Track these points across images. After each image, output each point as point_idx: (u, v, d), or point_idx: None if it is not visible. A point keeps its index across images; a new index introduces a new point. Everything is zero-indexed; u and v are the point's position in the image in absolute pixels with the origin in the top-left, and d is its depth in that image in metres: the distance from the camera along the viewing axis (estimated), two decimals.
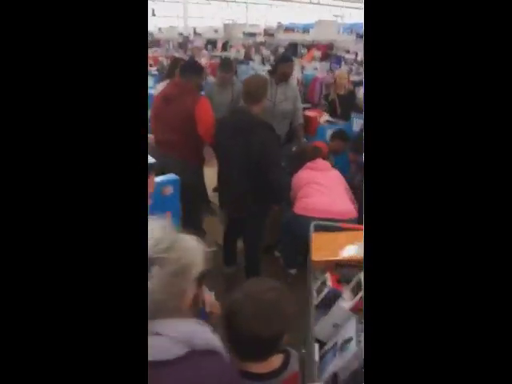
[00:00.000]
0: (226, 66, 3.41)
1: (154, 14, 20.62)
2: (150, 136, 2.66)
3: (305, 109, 3.65)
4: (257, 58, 8.11)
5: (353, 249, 1.42)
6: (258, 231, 2.39)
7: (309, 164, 2.59)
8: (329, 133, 3.31)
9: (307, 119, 3.37)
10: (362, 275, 1.36)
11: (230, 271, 2.65)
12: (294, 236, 2.47)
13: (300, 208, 2.35)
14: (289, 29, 16.22)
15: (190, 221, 2.76)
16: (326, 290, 1.35)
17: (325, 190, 2.38)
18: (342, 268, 1.45)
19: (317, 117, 3.38)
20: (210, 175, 2.55)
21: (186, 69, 2.54)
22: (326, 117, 3.51)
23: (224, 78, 3.40)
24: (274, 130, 2.17)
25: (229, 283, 2.58)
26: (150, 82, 5.12)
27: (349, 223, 2.14)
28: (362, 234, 1.50)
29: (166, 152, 2.53)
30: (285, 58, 3.24)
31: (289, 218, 2.48)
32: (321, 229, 1.64)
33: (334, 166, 2.71)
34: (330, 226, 1.67)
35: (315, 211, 2.24)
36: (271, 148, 2.06)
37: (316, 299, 1.37)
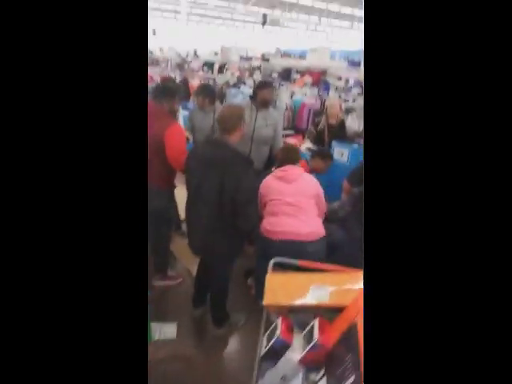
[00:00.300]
0: (204, 91, 3.37)
1: (154, 34, 20.99)
2: None
3: (286, 135, 3.60)
4: (249, 82, 8.17)
5: (310, 296, 1.30)
6: (227, 272, 2.27)
7: (277, 171, 2.39)
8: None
9: None
10: (316, 322, 1.25)
11: (199, 313, 2.52)
12: (265, 261, 2.35)
13: (265, 229, 2.26)
14: (286, 54, 16.54)
15: (158, 249, 2.66)
16: (273, 340, 1.23)
17: (290, 209, 2.25)
18: (295, 313, 1.34)
19: (297, 144, 3.33)
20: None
21: (158, 92, 2.46)
22: (307, 144, 3.45)
23: (203, 103, 3.36)
24: (252, 163, 2.03)
25: (196, 326, 2.44)
26: None
27: (314, 246, 2.12)
28: (321, 276, 1.41)
29: None
30: (264, 84, 3.19)
31: (258, 241, 2.36)
32: (280, 266, 1.53)
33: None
34: (290, 264, 1.56)
35: (280, 233, 2.17)
36: (247, 185, 1.91)
37: (263, 349, 1.26)
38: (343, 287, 1.30)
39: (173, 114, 2.54)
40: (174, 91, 2.54)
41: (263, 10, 13.89)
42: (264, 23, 12.24)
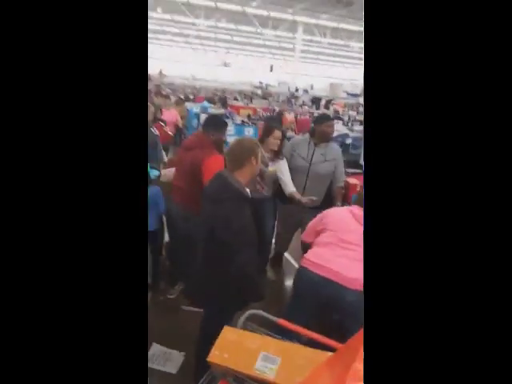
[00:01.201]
0: (274, 122, 3.38)
1: (271, 70, 22.40)
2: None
3: (352, 174, 3.32)
4: (344, 117, 7.97)
5: (256, 365, 1.07)
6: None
7: (355, 207, 2.13)
8: None
9: (346, 185, 3.03)
10: None
11: None
12: (297, 297, 2.07)
13: (306, 259, 1.99)
14: None
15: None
16: None
17: (344, 245, 1.95)
18: (241, 381, 1.12)
19: (357, 185, 3.02)
20: None
21: (207, 123, 2.56)
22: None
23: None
24: (251, 203, 1.74)
25: None
26: (251, 131, 5.40)
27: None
28: (279, 344, 1.15)
29: (175, 198, 2.64)
30: (323, 118, 3.01)
31: (296, 274, 2.08)
32: (253, 318, 1.32)
33: None
34: (266, 317, 1.34)
35: (319, 267, 1.90)
36: (238, 225, 1.64)
37: None
38: (296, 364, 1.04)
39: (218, 146, 2.58)
40: (222, 125, 2.61)
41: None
42: None
